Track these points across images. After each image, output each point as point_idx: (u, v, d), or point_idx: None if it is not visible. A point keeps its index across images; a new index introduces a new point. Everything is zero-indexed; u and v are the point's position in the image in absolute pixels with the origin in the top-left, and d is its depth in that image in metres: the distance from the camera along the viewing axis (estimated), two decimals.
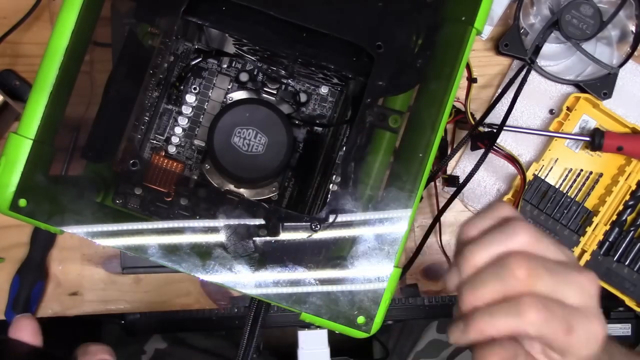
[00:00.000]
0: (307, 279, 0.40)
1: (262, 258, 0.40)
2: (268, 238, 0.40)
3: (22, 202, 0.40)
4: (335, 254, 0.40)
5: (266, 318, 0.45)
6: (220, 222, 0.41)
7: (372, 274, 0.40)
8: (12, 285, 0.66)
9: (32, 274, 0.65)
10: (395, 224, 0.40)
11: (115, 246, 0.40)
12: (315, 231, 0.40)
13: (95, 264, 0.67)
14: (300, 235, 0.40)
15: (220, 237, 0.40)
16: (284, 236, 0.40)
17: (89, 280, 0.67)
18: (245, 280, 0.40)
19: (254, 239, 0.40)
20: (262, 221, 0.41)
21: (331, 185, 0.49)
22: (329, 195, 0.41)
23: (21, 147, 0.40)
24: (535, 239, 0.34)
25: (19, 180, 0.40)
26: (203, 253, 0.40)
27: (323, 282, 0.40)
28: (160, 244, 0.40)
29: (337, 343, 0.70)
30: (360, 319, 0.40)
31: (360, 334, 0.40)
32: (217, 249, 0.40)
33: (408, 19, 0.42)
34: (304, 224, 0.40)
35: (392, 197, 0.40)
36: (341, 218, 0.40)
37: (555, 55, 0.66)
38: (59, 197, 0.40)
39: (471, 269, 0.34)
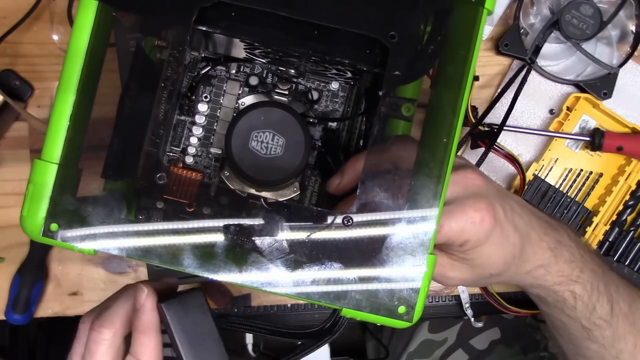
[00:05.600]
0: (345, 274, 0.40)
1: (298, 258, 0.40)
2: (302, 238, 0.40)
3: (54, 227, 0.40)
4: (370, 246, 0.40)
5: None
6: (252, 226, 0.40)
7: (409, 262, 0.40)
8: (12, 285, 0.66)
9: (32, 274, 0.65)
10: (427, 210, 0.40)
11: (151, 262, 0.40)
12: (349, 226, 0.40)
13: (95, 264, 0.67)
14: (333, 232, 0.40)
15: (254, 241, 0.40)
16: (317, 234, 0.40)
17: (89, 280, 0.67)
18: (283, 281, 0.40)
19: (287, 239, 0.40)
20: (292, 222, 0.40)
21: None
22: (358, 189, 0.41)
23: (47, 172, 0.40)
24: None
25: (48, 205, 0.40)
26: (238, 259, 0.40)
27: (361, 275, 0.40)
28: (195, 254, 0.40)
29: (334, 344, 0.70)
30: (401, 309, 0.40)
31: (402, 324, 0.40)
32: (252, 254, 0.40)
33: (419, 5, 0.42)
34: (335, 220, 0.40)
35: (420, 185, 0.40)
36: (372, 210, 0.40)
37: (555, 55, 0.66)
38: (89, 218, 0.40)
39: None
